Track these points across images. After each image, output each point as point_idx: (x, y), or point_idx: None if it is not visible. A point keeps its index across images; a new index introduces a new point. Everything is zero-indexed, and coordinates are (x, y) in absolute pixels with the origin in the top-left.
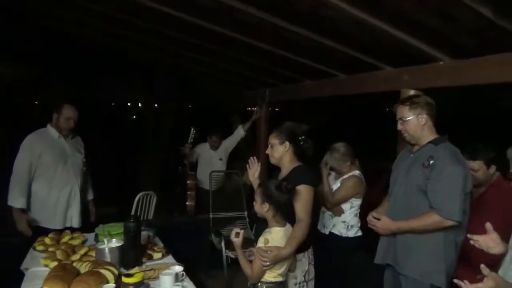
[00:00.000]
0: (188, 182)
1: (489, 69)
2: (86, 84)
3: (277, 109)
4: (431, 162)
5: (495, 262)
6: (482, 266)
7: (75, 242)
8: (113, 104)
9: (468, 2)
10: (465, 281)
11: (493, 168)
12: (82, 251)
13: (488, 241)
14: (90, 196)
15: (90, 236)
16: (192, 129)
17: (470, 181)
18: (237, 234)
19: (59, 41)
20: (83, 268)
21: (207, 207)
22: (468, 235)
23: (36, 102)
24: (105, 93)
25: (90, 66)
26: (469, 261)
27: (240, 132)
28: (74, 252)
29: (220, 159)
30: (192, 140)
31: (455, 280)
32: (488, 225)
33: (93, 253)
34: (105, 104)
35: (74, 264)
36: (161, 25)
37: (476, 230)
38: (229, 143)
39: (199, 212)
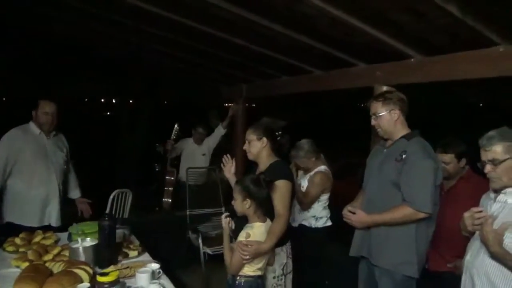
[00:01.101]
0: (166, 178)
1: (459, 66)
2: (57, 80)
3: (254, 105)
4: (404, 156)
5: (462, 253)
6: None
7: (48, 242)
8: (86, 100)
9: (438, 1)
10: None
11: (463, 161)
12: (55, 251)
13: None
14: (77, 195)
15: (63, 236)
16: (176, 126)
17: (440, 174)
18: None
19: (31, 35)
20: (56, 268)
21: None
22: None
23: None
24: (77, 88)
25: (60, 62)
26: (439, 251)
27: (220, 130)
28: (47, 252)
29: (204, 154)
30: (174, 137)
31: (449, 265)
32: None
33: (66, 253)
34: (77, 100)
35: (47, 265)
36: (136, 20)
37: (448, 221)
38: (211, 141)
39: (179, 208)
